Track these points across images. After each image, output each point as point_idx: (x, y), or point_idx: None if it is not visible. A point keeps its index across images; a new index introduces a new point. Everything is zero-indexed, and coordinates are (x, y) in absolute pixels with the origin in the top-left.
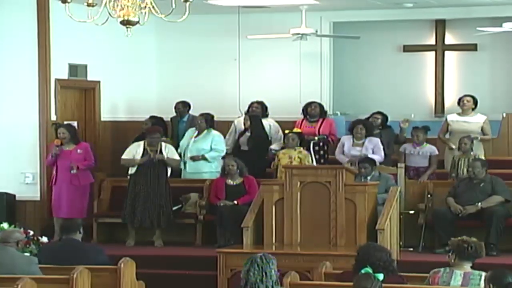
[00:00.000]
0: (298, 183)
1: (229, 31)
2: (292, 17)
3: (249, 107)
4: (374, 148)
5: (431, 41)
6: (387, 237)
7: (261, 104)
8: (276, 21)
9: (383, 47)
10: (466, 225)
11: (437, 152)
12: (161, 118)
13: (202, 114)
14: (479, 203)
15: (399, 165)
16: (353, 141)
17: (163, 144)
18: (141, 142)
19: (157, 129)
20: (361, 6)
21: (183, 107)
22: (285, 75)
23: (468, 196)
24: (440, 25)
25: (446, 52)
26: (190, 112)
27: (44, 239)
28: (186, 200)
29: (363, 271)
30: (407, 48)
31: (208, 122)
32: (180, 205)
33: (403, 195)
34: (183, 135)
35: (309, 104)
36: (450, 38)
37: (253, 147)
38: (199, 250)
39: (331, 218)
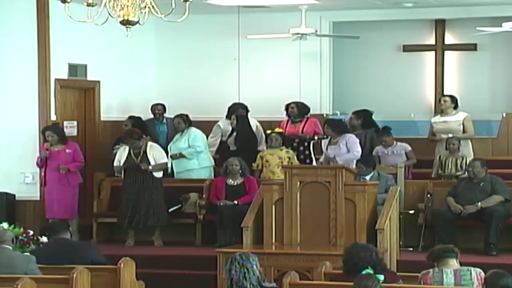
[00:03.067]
0: (298, 183)
1: (229, 31)
2: (292, 17)
3: (229, 109)
4: (348, 144)
5: (431, 41)
6: (386, 237)
7: (241, 105)
8: (276, 21)
9: (383, 47)
10: (465, 225)
11: (410, 148)
12: (139, 118)
13: (177, 116)
14: (479, 203)
15: (399, 164)
16: (330, 140)
17: (148, 144)
18: (127, 146)
19: (133, 132)
20: (361, 6)
21: (163, 109)
22: (285, 75)
23: (468, 195)
24: (439, 25)
25: (446, 52)
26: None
27: (44, 239)
28: (186, 200)
29: (364, 272)
30: (406, 48)
31: (186, 121)
32: (180, 205)
33: (403, 195)
34: (165, 137)
35: (288, 105)
36: (449, 38)
37: (240, 147)
38: (199, 250)
39: (331, 218)
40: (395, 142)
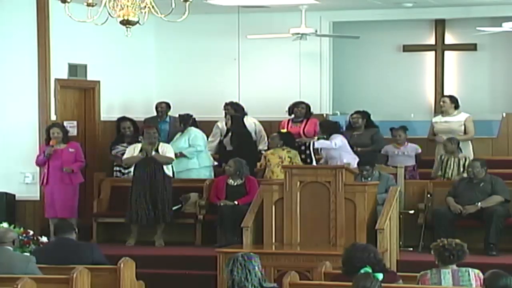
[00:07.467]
0: (298, 183)
1: (229, 31)
2: (292, 17)
3: (224, 109)
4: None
5: (431, 41)
6: (386, 237)
7: (233, 105)
8: (276, 21)
9: (383, 47)
10: (465, 225)
11: (420, 150)
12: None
13: (179, 115)
14: (479, 203)
15: (399, 165)
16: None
17: (161, 143)
18: (139, 144)
19: (154, 125)
20: (361, 5)
21: (167, 107)
22: (284, 75)
23: (467, 196)
24: (439, 25)
25: (446, 52)
26: (170, 113)
27: (44, 239)
28: (186, 200)
29: (362, 271)
30: (406, 48)
31: (181, 122)
32: (180, 205)
33: (403, 195)
34: (166, 135)
35: (296, 105)
36: (449, 38)
37: (237, 147)
38: (199, 250)
39: (331, 218)
40: (406, 143)
